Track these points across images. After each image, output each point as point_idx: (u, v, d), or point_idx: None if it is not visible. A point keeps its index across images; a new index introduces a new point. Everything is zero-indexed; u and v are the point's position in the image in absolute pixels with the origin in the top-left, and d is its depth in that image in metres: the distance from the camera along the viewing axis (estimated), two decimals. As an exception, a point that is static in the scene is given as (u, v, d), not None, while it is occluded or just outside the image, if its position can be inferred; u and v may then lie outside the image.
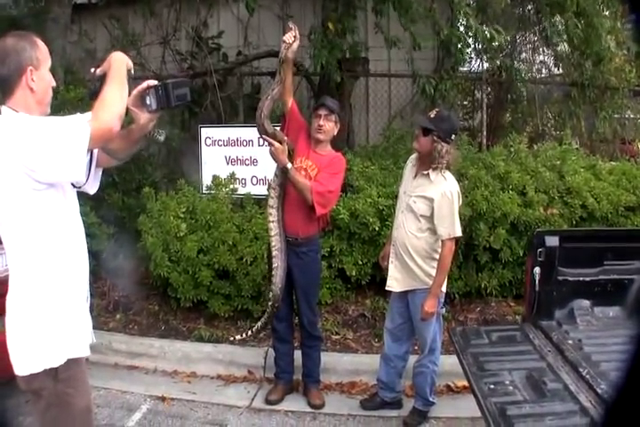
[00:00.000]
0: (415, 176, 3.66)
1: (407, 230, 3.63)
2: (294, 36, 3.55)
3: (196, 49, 6.77)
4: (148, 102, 2.25)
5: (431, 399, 3.87)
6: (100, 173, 2.40)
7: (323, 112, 3.83)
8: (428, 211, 3.53)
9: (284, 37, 3.57)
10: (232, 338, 4.32)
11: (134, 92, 2.26)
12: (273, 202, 3.82)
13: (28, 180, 2.03)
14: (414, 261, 3.63)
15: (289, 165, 3.68)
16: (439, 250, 3.57)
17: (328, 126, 3.85)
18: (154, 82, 2.27)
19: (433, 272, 3.59)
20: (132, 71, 2.24)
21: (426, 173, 3.57)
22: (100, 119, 2.04)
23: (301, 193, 3.73)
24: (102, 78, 2.16)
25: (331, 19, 5.46)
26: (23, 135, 2.02)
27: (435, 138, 3.48)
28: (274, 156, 3.69)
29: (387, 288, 3.83)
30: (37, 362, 2.14)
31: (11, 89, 2.13)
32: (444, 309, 3.87)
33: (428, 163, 3.56)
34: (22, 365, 2.16)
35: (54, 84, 2.22)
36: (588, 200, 5.00)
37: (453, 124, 3.60)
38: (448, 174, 3.58)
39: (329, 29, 5.35)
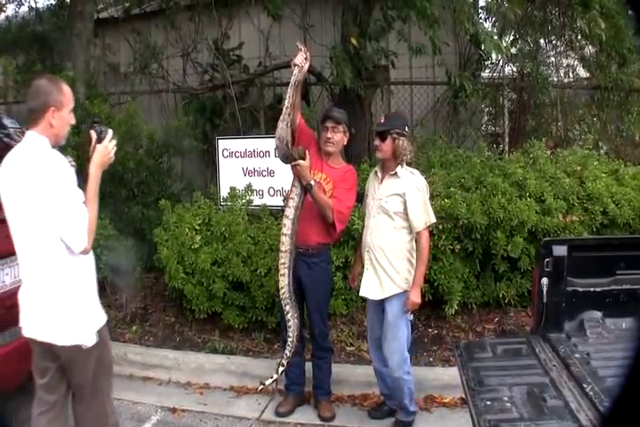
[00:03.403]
0: (382, 180, 3.72)
1: (381, 232, 3.66)
2: (305, 58, 3.50)
3: (217, 61, 6.81)
4: None
5: (412, 409, 3.87)
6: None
7: (330, 124, 3.80)
8: (401, 206, 3.61)
9: (295, 60, 3.49)
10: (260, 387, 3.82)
11: None
12: (289, 212, 3.66)
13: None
14: (391, 264, 3.64)
15: (313, 182, 3.63)
16: (414, 253, 3.65)
17: (337, 138, 3.82)
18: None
19: (410, 277, 3.63)
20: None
21: (393, 172, 3.66)
22: (85, 242, 2.63)
23: (322, 210, 3.69)
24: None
25: (352, 34, 5.42)
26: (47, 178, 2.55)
27: (394, 136, 3.59)
28: (299, 174, 3.62)
29: (361, 294, 3.82)
30: (76, 336, 2.67)
31: (35, 119, 2.67)
32: (412, 315, 3.82)
33: (394, 163, 3.65)
34: (66, 337, 2.65)
35: (73, 121, 2.76)
36: (609, 206, 4.82)
37: (404, 118, 3.93)
38: (414, 170, 3.72)
39: (352, 45, 5.32)
